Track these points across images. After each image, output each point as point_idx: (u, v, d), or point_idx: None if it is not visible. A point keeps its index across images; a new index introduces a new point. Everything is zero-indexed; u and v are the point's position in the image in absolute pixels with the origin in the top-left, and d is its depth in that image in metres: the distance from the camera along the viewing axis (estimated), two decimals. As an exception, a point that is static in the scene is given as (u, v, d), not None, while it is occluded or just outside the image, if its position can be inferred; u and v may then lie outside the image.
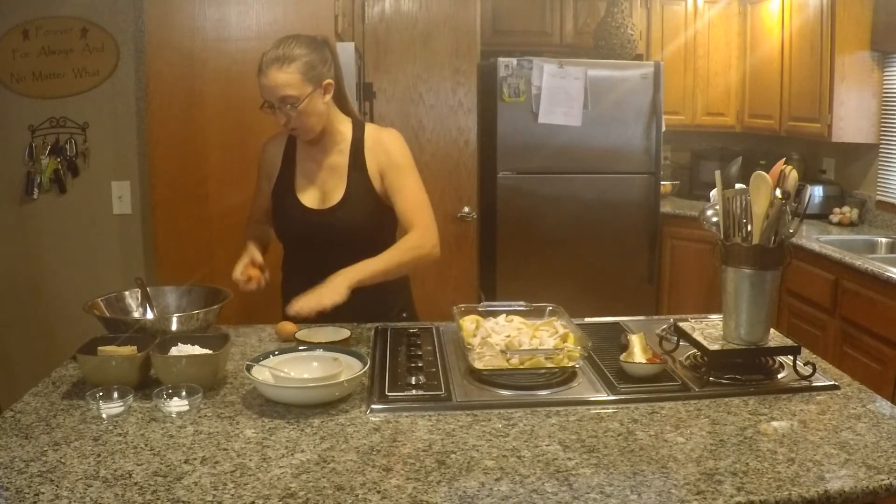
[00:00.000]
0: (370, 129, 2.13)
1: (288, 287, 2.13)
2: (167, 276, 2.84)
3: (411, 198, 2.06)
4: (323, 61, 1.99)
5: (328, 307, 1.84)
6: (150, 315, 1.99)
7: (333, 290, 1.86)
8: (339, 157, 2.09)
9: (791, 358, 1.71)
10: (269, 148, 2.21)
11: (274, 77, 1.92)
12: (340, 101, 2.12)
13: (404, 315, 2.20)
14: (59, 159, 3.18)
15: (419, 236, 2.03)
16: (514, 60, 4.00)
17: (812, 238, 3.59)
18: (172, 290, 2.08)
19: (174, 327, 1.83)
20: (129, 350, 1.63)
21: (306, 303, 1.85)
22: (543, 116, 4.04)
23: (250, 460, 1.30)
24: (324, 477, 1.25)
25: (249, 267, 2.06)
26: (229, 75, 2.84)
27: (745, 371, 1.69)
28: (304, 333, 1.87)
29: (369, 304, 2.05)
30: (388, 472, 1.27)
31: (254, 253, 2.11)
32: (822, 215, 4.06)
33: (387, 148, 2.09)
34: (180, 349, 1.65)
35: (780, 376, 1.69)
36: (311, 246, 2.11)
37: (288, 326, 1.94)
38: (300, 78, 1.93)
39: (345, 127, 2.11)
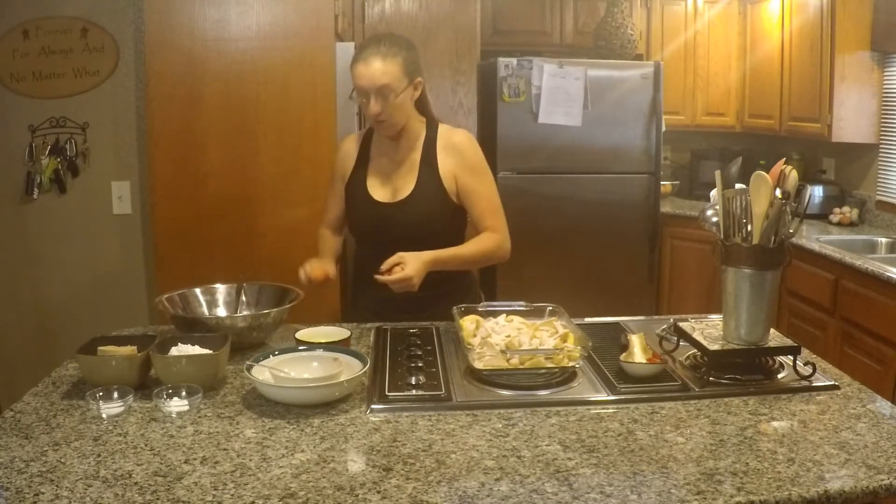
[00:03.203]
0: (443, 129, 2.18)
1: (359, 280, 2.23)
2: (167, 275, 2.85)
3: (487, 201, 2.15)
4: (416, 61, 2.08)
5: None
6: (222, 312, 2.03)
7: (417, 273, 1.97)
8: (412, 154, 2.15)
9: (791, 358, 1.71)
10: (344, 147, 2.28)
11: (377, 66, 1.99)
12: (420, 101, 2.18)
13: None
14: (59, 159, 3.18)
15: (498, 240, 2.15)
16: (514, 60, 4.00)
17: (812, 238, 3.59)
18: (243, 289, 2.09)
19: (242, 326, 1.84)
20: (129, 350, 1.63)
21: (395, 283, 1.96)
22: (543, 116, 4.04)
23: (250, 460, 1.30)
24: (324, 477, 1.25)
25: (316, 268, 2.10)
26: (229, 75, 2.84)
27: (745, 371, 1.69)
28: (304, 333, 1.87)
29: (441, 298, 2.12)
30: (388, 472, 1.27)
31: (322, 268, 2.13)
32: (822, 215, 4.06)
33: (461, 150, 2.15)
34: (180, 349, 1.65)
35: (780, 376, 1.69)
36: (380, 240, 2.15)
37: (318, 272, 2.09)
38: (400, 71, 2.01)
39: (419, 125, 2.18)
